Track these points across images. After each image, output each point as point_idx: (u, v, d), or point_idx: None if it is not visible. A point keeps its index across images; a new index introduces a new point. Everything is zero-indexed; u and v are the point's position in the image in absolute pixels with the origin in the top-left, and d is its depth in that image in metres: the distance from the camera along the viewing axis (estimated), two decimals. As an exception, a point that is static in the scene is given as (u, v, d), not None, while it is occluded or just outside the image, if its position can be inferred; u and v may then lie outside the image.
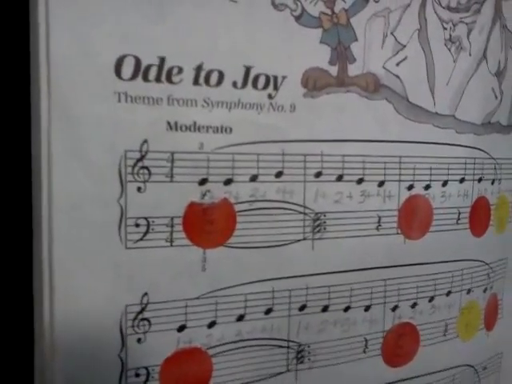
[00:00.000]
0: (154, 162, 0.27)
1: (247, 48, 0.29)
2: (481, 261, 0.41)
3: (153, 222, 0.28)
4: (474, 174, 0.39)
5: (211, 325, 0.30)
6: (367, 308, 0.35)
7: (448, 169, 0.37)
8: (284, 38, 0.30)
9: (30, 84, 0.26)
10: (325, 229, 0.33)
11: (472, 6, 0.38)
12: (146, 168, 0.27)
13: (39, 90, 0.25)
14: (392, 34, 0.34)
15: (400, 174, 0.35)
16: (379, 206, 0.34)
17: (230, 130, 0.29)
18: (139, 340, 0.28)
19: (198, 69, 0.28)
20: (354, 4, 0.32)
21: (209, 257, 0.29)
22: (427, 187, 0.36)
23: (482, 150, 0.39)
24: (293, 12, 0.30)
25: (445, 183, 0.37)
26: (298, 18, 0.30)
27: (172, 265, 0.28)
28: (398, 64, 0.34)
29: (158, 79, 0.27)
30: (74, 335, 0.26)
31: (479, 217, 0.40)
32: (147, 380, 0.28)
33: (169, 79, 0.27)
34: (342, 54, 0.32)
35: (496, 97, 0.40)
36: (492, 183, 0.41)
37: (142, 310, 0.28)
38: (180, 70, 0.27)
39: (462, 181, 0.38)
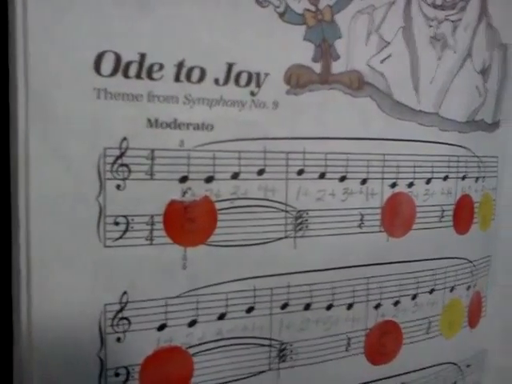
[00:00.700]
0: (134, 159, 0.27)
1: (230, 44, 0.29)
2: (464, 258, 0.41)
3: (132, 220, 0.27)
4: (457, 172, 0.39)
5: (192, 324, 0.30)
6: (350, 306, 0.35)
7: (432, 166, 0.37)
8: (267, 35, 0.30)
9: (8, 82, 0.25)
10: (307, 227, 0.32)
11: (458, 3, 0.38)
12: (126, 165, 0.27)
13: (16, 87, 0.25)
14: (376, 31, 0.34)
15: (383, 172, 0.35)
16: (362, 204, 0.34)
17: (212, 127, 0.29)
18: (119, 339, 0.28)
19: (180, 65, 0.28)
20: (338, 0, 0.32)
21: (189, 255, 0.29)
22: (410, 185, 0.36)
23: (466, 148, 0.39)
24: (276, 8, 0.30)
25: (428, 181, 0.37)
26: (281, 15, 0.30)
27: (152, 263, 0.28)
28: (382, 61, 0.34)
29: (138, 76, 0.27)
30: (53, 334, 0.26)
31: (463, 214, 0.40)
32: (127, 380, 0.28)
33: (149, 76, 0.27)
34: (325, 51, 0.32)
35: (480, 95, 0.40)
36: (476, 181, 0.41)
37: (122, 308, 0.28)
38: (161, 67, 0.27)
39: (445, 178, 0.38)
